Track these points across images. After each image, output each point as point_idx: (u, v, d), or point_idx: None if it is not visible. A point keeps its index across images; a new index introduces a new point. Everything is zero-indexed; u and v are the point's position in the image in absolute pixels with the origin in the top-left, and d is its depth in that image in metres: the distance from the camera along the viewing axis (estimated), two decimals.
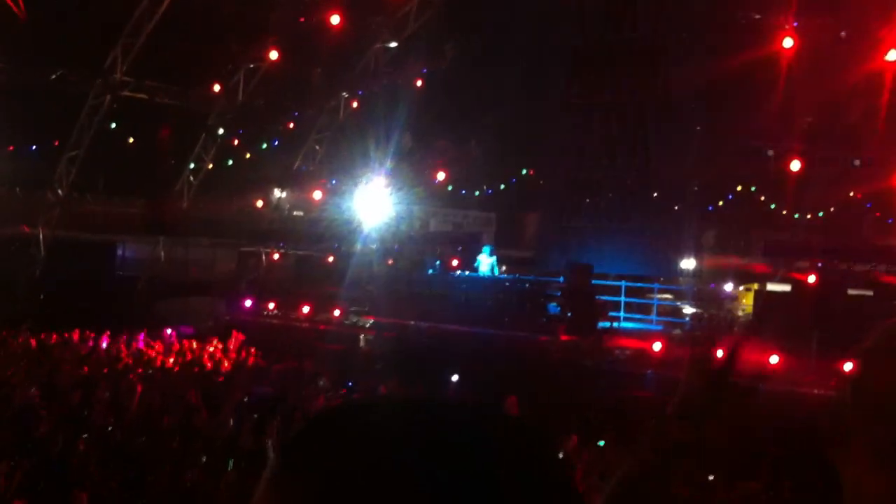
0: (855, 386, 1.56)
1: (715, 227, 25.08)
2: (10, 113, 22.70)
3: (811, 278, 19.37)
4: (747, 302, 20.74)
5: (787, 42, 19.70)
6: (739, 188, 26.03)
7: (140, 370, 15.84)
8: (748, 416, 1.97)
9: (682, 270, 21.24)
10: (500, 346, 18.47)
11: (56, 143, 24.99)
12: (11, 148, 24.57)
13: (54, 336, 17.93)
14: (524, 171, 26.54)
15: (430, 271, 22.22)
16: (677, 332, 19.14)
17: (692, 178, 23.46)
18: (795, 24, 20.04)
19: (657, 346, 17.06)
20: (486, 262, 21.51)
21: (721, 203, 26.66)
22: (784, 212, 25.47)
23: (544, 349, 18.20)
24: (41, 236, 24.55)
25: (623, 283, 21.05)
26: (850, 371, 1.60)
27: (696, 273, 22.61)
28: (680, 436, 1.86)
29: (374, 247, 24.80)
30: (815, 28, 19.97)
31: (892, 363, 1.54)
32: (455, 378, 16.17)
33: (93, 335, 18.20)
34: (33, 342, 17.57)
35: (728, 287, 20.98)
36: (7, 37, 21.37)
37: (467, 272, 21.97)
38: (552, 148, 24.33)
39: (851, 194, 24.55)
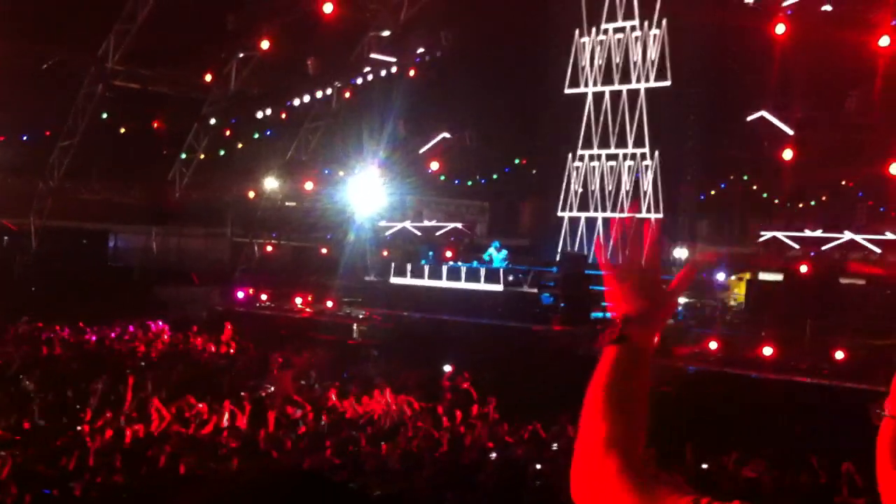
0: None
1: (708, 216, 25.09)
2: (2, 102, 22.60)
3: (804, 268, 19.39)
4: (739, 291, 20.74)
5: (780, 28, 19.70)
6: (732, 177, 26.01)
7: (131, 362, 15.81)
8: None
9: (675, 259, 21.23)
10: (494, 335, 18.47)
11: (48, 133, 24.89)
12: (2, 137, 24.46)
13: (47, 327, 17.87)
14: (517, 161, 26.47)
15: (423, 262, 22.20)
16: (670, 322, 19.08)
17: (687, 167, 23.45)
18: (789, 12, 20.03)
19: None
20: (496, 256, 21.52)
21: (713, 192, 26.62)
22: (776, 200, 25.49)
23: (538, 339, 18.19)
24: (33, 226, 24.47)
25: None
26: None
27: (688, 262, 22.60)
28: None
29: (367, 237, 24.74)
30: (808, 13, 19.95)
31: None
32: (448, 368, 16.15)
33: (85, 327, 18.15)
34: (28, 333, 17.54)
35: (720, 276, 20.98)
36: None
37: (461, 263, 21.94)
38: (546, 136, 24.30)
39: (844, 182, 24.55)
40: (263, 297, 23.14)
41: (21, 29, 21.75)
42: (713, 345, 16.81)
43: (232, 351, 17.91)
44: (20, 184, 24.72)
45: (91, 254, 25.27)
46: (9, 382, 13.59)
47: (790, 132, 21.41)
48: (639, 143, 22.45)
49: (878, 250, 20.04)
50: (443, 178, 26.34)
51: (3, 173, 24.62)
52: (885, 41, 17.97)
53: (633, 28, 22.44)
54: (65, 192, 24.69)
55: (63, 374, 14.41)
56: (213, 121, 25.97)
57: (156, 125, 26.01)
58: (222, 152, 26.81)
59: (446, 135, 24.81)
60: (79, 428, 10.66)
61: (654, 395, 1.90)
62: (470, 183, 26.25)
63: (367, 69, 25.67)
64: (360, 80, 26.17)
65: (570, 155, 23.10)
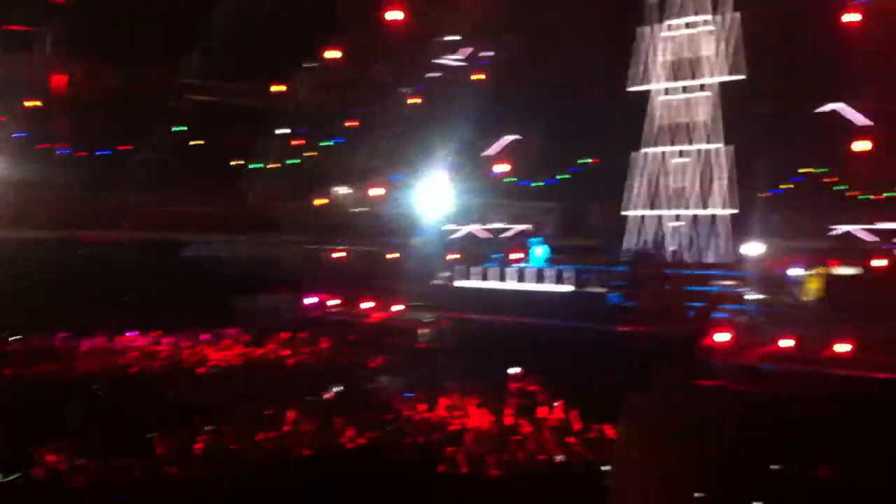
0: None
1: (781, 210, 24.52)
2: (82, 120, 23.35)
3: (882, 262, 18.87)
4: (816, 287, 20.22)
5: (852, 17, 19.36)
6: (807, 170, 25.40)
7: (207, 366, 16.19)
8: None
9: (746, 256, 20.81)
10: (562, 336, 18.37)
11: (129, 148, 25.62)
12: (83, 154, 25.25)
13: (121, 337, 18.40)
14: (586, 160, 26.30)
15: (490, 265, 22.20)
16: (743, 318, 18.71)
17: (760, 161, 23.03)
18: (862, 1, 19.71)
19: (722, 337, 16.75)
20: (538, 253, 21.51)
21: (789, 186, 26.04)
22: (852, 193, 24.79)
23: (607, 339, 18.02)
24: (118, 238, 25.18)
25: (689, 273, 20.72)
26: None
27: (760, 258, 22.07)
28: None
29: (433, 241, 24.85)
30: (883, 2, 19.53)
31: None
32: (515, 370, 16.09)
33: (160, 337, 18.63)
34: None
35: (794, 272, 20.45)
36: (81, 44, 22.00)
37: (526, 264, 21.90)
38: (613, 135, 24.11)
39: None
40: (333, 303, 23.37)
41: (101, 49, 22.46)
42: (787, 342, 16.44)
43: (304, 356, 18.17)
44: (99, 198, 25.43)
45: (167, 264, 25.84)
46: (88, 393, 14.02)
47: (866, 123, 20.90)
48: (710, 138, 22.14)
49: None
50: (512, 179, 26.29)
51: (82, 188, 25.37)
52: None
53: (705, 22, 22.16)
54: (141, 204, 25.36)
55: (139, 383, 14.83)
56: (283, 131, 26.42)
57: (228, 137, 26.55)
58: (294, 161, 27.23)
59: (513, 137, 24.82)
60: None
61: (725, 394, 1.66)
62: (537, 184, 26.17)
63: (435, 74, 25.82)
64: (427, 86, 26.34)
65: (637, 153, 22.89)
